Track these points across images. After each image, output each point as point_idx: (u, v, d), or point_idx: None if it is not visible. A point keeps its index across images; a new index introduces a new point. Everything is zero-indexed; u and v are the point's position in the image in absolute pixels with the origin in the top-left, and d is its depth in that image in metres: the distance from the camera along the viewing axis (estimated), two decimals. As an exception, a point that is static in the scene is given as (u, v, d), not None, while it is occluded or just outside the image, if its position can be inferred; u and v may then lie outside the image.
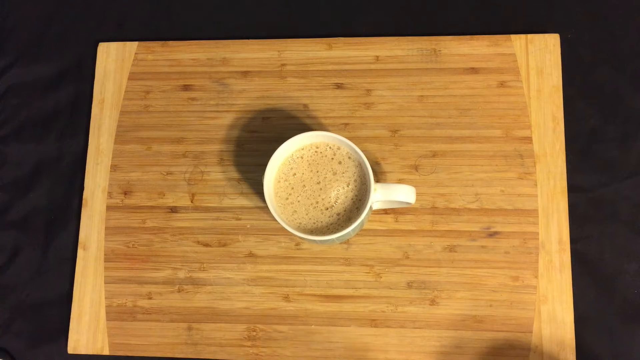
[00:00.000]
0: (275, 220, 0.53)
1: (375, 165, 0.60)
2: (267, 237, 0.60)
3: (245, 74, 0.64)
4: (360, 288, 0.58)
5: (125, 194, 0.62)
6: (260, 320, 0.58)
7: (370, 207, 0.53)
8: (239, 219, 0.60)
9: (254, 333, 0.58)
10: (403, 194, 0.52)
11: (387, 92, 0.62)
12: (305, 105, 0.62)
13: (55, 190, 0.64)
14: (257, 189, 0.61)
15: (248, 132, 0.62)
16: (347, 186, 0.54)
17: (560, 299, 0.56)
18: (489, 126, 0.60)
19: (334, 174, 0.55)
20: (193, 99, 0.64)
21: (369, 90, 0.62)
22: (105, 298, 0.60)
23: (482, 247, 0.58)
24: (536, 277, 0.57)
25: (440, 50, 0.62)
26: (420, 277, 0.58)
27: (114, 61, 0.65)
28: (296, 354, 0.58)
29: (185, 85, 0.64)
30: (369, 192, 0.52)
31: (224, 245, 0.60)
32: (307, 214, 0.54)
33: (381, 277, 0.58)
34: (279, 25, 0.66)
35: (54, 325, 0.61)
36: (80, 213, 0.62)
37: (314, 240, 0.54)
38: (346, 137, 0.53)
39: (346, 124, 0.61)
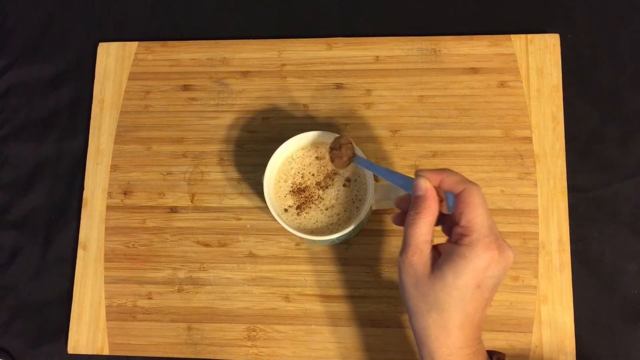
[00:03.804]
0: (275, 220, 0.53)
1: (375, 165, 0.60)
2: (267, 237, 0.60)
3: (245, 74, 0.64)
4: (360, 288, 0.58)
5: (125, 194, 0.62)
6: (260, 320, 0.58)
7: (370, 207, 0.53)
8: (239, 219, 0.60)
9: (254, 333, 0.58)
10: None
11: (387, 92, 0.62)
12: (305, 105, 0.62)
13: (55, 190, 0.64)
14: (257, 189, 0.61)
15: (248, 132, 0.62)
16: (347, 186, 0.54)
17: (560, 299, 0.56)
18: (489, 126, 0.60)
19: (334, 174, 0.54)
20: (193, 99, 0.64)
21: (369, 90, 0.62)
22: (105, 298, 0.60)
23: (482, 247, 0.58)
24: (536, 277, 0.57)
25: (440, 50, 0.62)
26: (420, 277, 0.58)
27: (114, 61, 0.65)
28: (296, 354, 0.58)
29: (185, 85, 0.64)
30: (369, 192, 0.52)
31: (224, 245, 0.60)
32: (307, 214, 0.54)
33: (381, 277, 0.58)
34: (279, 25, 0.66)
35: (54, 325, 0.61)
36: (80, 213, 0.62)
37: (314, 241, 0.54)
38: (346, 137, 0.53)
39: (346, 124, 0.61)
